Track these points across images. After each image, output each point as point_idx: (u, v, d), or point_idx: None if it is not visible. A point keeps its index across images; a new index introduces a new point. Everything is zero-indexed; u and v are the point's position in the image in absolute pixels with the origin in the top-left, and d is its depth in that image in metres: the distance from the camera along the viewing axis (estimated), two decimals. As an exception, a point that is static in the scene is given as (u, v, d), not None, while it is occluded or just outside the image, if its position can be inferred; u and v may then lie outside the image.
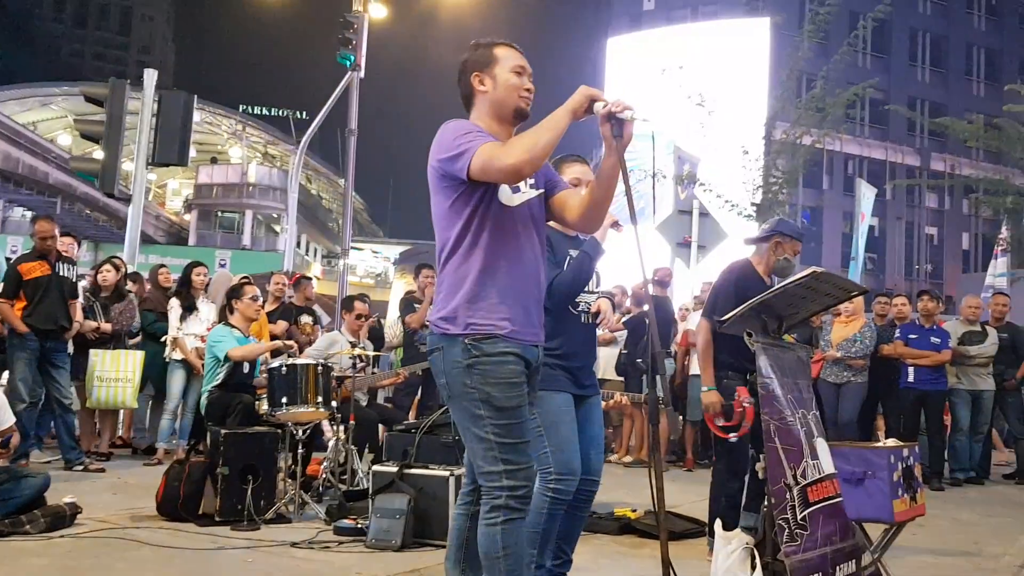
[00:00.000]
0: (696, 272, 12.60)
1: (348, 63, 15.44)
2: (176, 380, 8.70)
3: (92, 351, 8.55)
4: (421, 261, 11.35)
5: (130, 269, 10.17)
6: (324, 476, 6.81)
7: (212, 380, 7.02)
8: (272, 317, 9.44)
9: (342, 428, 6.85)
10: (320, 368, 6.44)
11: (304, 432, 6.42)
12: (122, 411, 9.52)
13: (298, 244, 52.25)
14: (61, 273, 7.93)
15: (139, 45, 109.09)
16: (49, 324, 7.78)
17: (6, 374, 8.14)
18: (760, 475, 4.10)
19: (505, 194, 3.10)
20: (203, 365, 7.80)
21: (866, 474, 4.44)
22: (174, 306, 8.89)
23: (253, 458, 6.01)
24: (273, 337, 8.85)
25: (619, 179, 3.12)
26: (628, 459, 10.37)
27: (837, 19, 19.18)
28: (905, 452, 4.66)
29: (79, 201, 46.43)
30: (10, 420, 5.85)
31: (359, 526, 5.56)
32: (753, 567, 3.98)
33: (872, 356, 9.42)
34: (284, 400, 6.25)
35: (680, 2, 42.98)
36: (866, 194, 19.97)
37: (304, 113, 60.20)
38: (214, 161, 57.08)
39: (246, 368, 7.13)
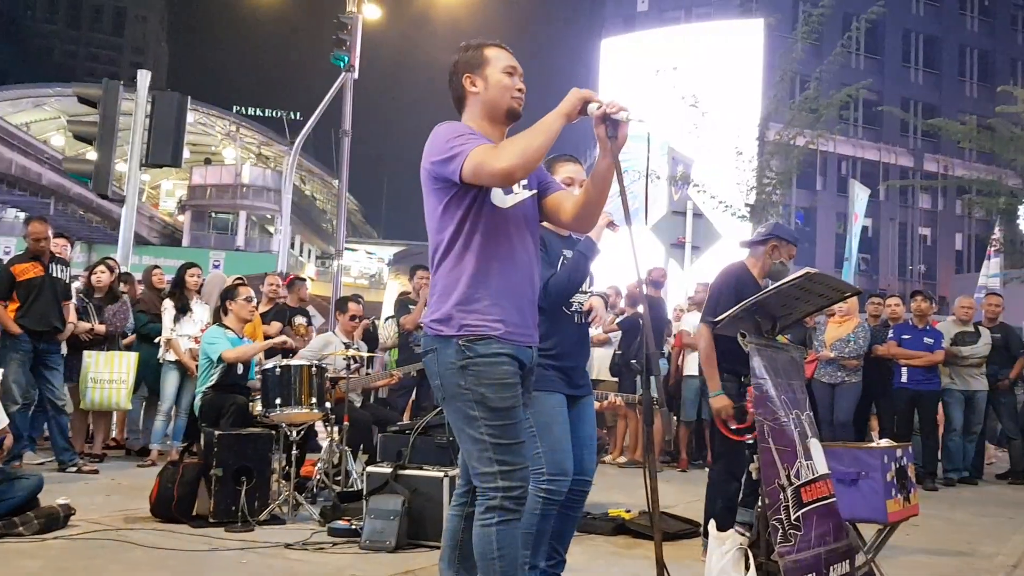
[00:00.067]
0: (690, 273, 12.61)
1: (342, 64, 15.45)
2: (170, 381, 8.68)
3: (86, 352, 8.53)
4: (415, 262, 11.34)
5: (123, 270, 10.15)
6: (318, 477, 6.80)
7: (206, 381, 7.01)
8: (266, 318, 9.42)
9: (336, 429, 6.85)
10: (314, 369, 6.44)
11: (298, 433, 6.42)
12: (115, 412, 9.49)
13: (292, 245, 52.15)
14: (54, 274, 7.92)
15: (132, 46, 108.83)
16: (42, 325, 7.76)
17: (-1, 375, 8.13)
18: (754, 476, 4.11)
19: (498, 196, 3.10)
20: (197, 366, 7.79)
21: (860, 474, 4.45)
22: (168, 307, 8.88)
23: (247, 459, 6.00)
24: (267, 338, 8.83)
25: (613, 180, 3.12)
26: (622, 460, 10.38)
27: (830, 20, 19.18)
28: (898, 452, 4.67)
29: (72, 202, 46.35)
30: (3, 422, 5.84)
31: (353, 527, 5.55)
32: (747, 567, 3.98)
33: (866, 356, 9.44)
34: (278, 401, 6.25)
35: (674, 3, 43.04)
36: (859, 195, 19.99)
37: (298, 114, 60.25)
38: (208, 162, 57.07)
39: (240, 369, 7.12)
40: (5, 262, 8.38)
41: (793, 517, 3.80)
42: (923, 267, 44.55)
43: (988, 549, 6.09)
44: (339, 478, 6.78)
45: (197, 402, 7.07)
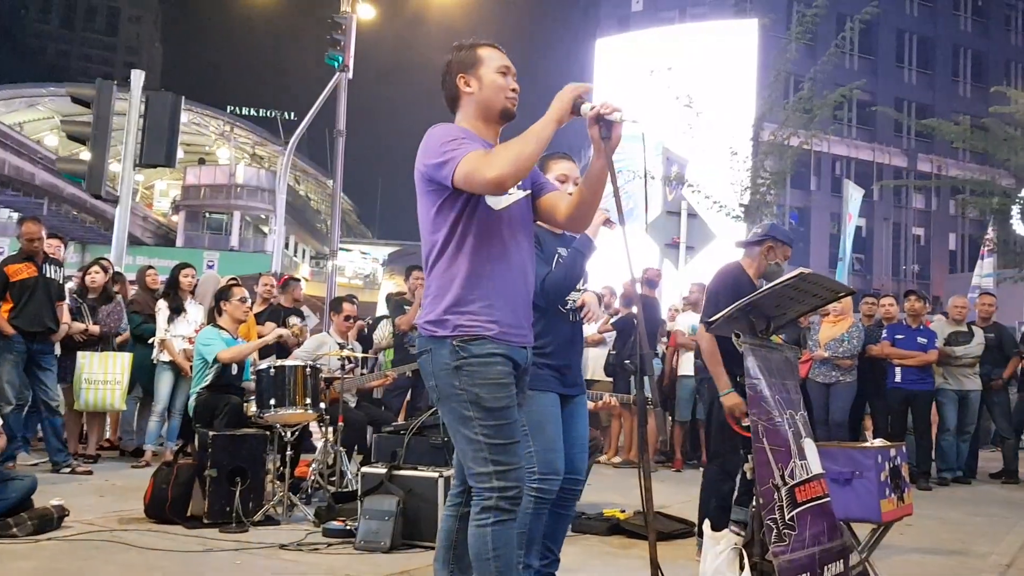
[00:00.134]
0: (685, 273, 12.62)
1: (336, 64, 15.42)
2: (164, 382, 8.67)
3: (80, 353, 8.52)
4: (410, 262, 11.36)
5: (116, 271, 10.13)
6: (313, 478, 6.80)
7: (200, 382, 7.00)
8: (260, 318, 9.41)
9: (331, 430, 6.84)
10: (308, 370, 6.43)
11: (293, 434, 6.41)
12: (109, 413, 9.48)
13: (286, 245, 52.08)
14: (48, 275, 7.90)
15: (126, 46, 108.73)
16: (36, 326, 7.75)
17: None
18: (748, 475, 4.11)
19: (492, 197, 3.10)
20: (191, 367, 7.79)
21: (854, 474, 4.46)
22: (162, 308, 8.86)
23: (241, 460, 6.00)
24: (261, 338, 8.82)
25: (607, 181, 3.12)
26: (617, 460, 10.38)
27: (824, 21, 19.26)
28: (892, 452, 4.68)
29: (66, 202, 46.30)
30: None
31: (348, 528, 5.55)
32: (741, 567, 3.99)
33: (860, 356, 9.45)
34: (272, 402, 6.25)
35: (668, 3, 43.07)
36: (853, 195, 20.04)
37: (292, 114, 60.28)
38: (202, 162, 56.99)
39: (235, 370, 7.12)
40: (-2, 262, 8.36)
41: (787, 517, 3.81)
42: (917, 267, 44.63)
43: (982, 548, 6.10)
44: (334, 479, 6.77)
45: (191, 403, 7.06)
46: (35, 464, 8.01)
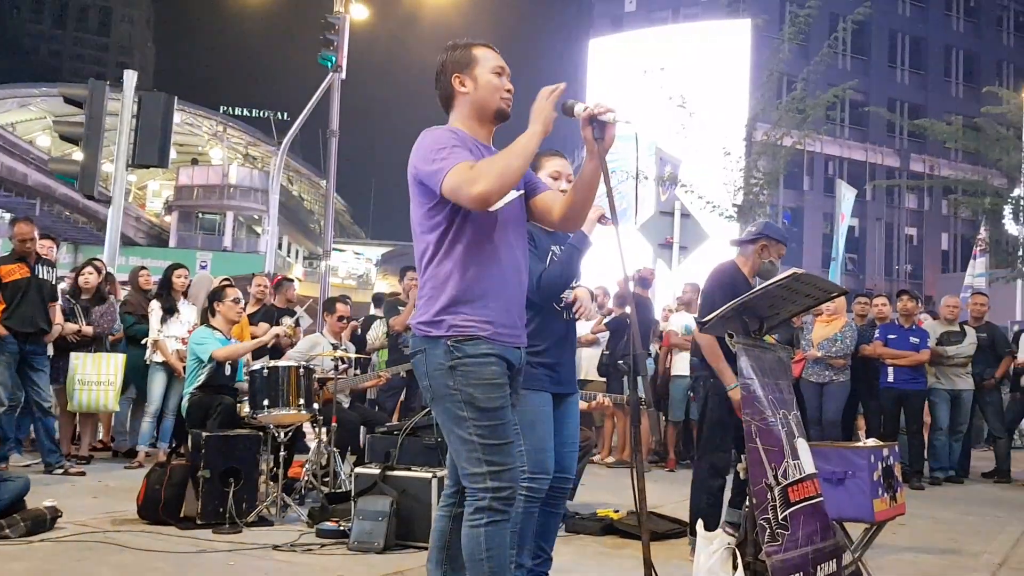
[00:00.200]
0: (678, 273, 12.63)
1: (329, 64, 15.42)
2: (157, 383, 8.66)
3: (73, 354, 8.50)
4: (403, 262, 11.35)
5: (111, 271, 10.11)
6: (306, 478, 6.79)
7: (193, 382, 6.99)
8: (254, 319, 9.40)
9: (324, 430, 6.84)
10: (302, 370, 6.43)
11: (286, 434, 6.41)
12: (101, 414, 9.46)
13: (279, 246, 52.12)
14: (40, 275, 7.88)
15: (119, 46, 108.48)
16: (28, 327, 7.72)
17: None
18: (741, 475, 4.12)
19: None
20: (184, 368, 7.78)
21: (847, 474, 4.47)
22: (155, 308, 8.85)
23: (235, 461, 5.99)
24: (255, 339, 8.80)
25: (600, 181, 3.13)
26: (611, 460, 10.39)
27: (817, 21, 19.24)
28: (885, 452, 4.69)
29: (58, 203, 46.17)
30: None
31: (341, 528, 5.55)
32: (735, 567, 4.00)
33: (853, 356, 9.47)
34: (266, 402, 6.24)
35: (661, 3, 43.11)
36: (846, 195, 20.07)
37: (285, 114, 60.13)
38: (195, 162, 56.92)
39: (228, 370, 7.11)
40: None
41: (780, 516, 3.82)
42: (909, 267, 44.72)
43: (974, 547, 6.12)
44: (327, 479, 6.77)
45: (184, 403, 7.05)
46: (28, 465, 7.99)
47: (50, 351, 8.26)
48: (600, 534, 5.96)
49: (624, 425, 10.36)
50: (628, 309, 7.68)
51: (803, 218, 40.69)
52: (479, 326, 3.04)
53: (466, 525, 3.05)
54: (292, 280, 11.14)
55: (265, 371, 6.33)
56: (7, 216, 39.18)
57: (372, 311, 11.48)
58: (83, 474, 7.85)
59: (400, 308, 9.54)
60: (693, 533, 5.09)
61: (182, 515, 5.88)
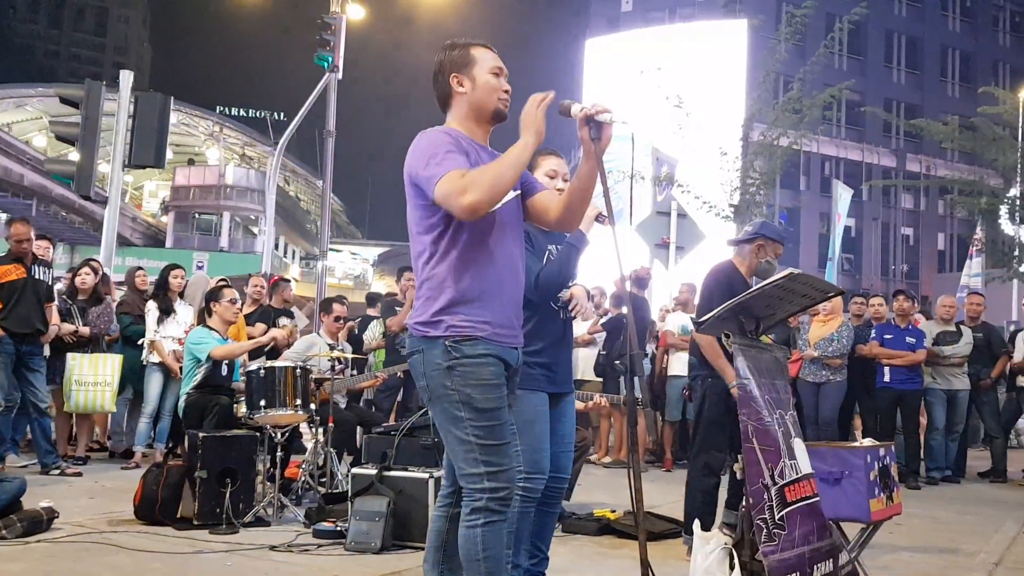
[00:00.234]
0: (675, 273, 12.64)
1: (326, 64, 15.42)
2: (153, 383, 8.65)
3: (70, 355, 8.49)
4: (400, 262, 11.37)
5: (108, 272, 10.10)
6: (303, 479, 6.79)
7: (190, 382, 6.99)
8: (250, 320, 9.40)
9: (321, 431, 6.84)
10: (299, 371, 6.43)
11: (283, 435, 6.40)
12: (97, 415, 9.45)
13: (276, 246, 52.02)
14: (37, 276, 7.86)
15: (115, 46, 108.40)
16: (25, 328, 7.71)
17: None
18: (738, 475, 4.12)
19: None
20: (181, 368, 7.77)
21: (843, 474, 4.48)
22: (151, 309, 8.84)
23: (231, 461, 5.99)
24: (251, 340, 8.80)
25: (597, 181, 3.13)
26: (607, 460, 10.39)
27: (813, 21, 19.31)
28: (881, 452, 4.70)
29: (55, 203, 46.14)
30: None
31: (338, 529, 5.54)
32: (732, 567, 4.00)
33: (849, 356, 9.47)
34: (263, 403, 6.23)
35: (658, 4, 43.11)
36: (842, 195, 20.10)
37: (282, 114, 60.20)
38: (191, 163, 56.86)
39: (224, 370, 7.11)
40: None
41: (777, 516, 3.82)
42: (905, 267, 44.77)
43: (970, 547, 6.13)
44: (324, 480, 6.77)
45: (181, 404, 7.05)
46: (24, 466, 7.97)
47: (46, 352, 8.25)
48: (597, 534, 5.96)
49: (621, 425, 10.36)
50: (625, 309, 7.69)
51: (799, 218, 40.71)
52: (477, 326, 3.04)
53: (463, 525, 3.05)
54: (289, 280, 11.14)
55: (262, 371, 6.32)
56: (3, 216, 39.14)
57: (367, 311, 11.47)
58: (80, 475, 7.84)
59: (397, 308, 9.55)
60: (688, 532, 5.11)
61: (179, 516, 5.87)
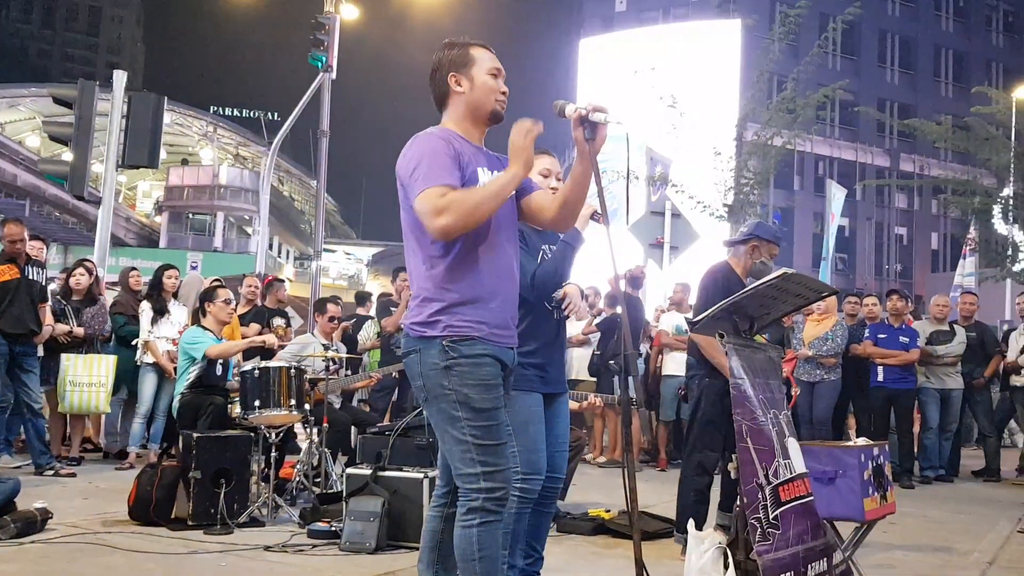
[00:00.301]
0: (669, 273, 12.65)
1: (320, 64, 15.38)
2: (147, 384, 8.63)
3: (64, 356, 8.47)
4: (394, 262, 11.38)
5: (100, 272, 10.08)
6: (297, 479, 6.79)
7: (184, 381, 6.98)
8: (244, 320, 9.39)
9: (315, 431, 6.83)
10: (293, 371, 6.42)
11: (277, 435, 6.40)
12: (91, 415, 9.43)
13: (270, 246, 52.04)
14: (30, 276, 7.84)
15: (108, 46, 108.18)
16: (18, 328, 7.69)
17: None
18: (732, 475, 4.13)
19: None
20: (175, 369, 7.76)
21: (837, 473, 4.48)
22: (145, 309, 8.83)
23: (226, 462, 5.98)
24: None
25: (591, 181, 3.14)
26: (602, 459, 10.40)
27: (807, 21, 19.30)
28: (875, 451, 4.71)
29: (48, 203, 46.01)
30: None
31: (333, 529, 5.55)
32: (726, 566, 4.00)
33: (843, 355, 9.49)
34: (257, 403, 6.23)
35: (652, 3, 43.14)
36: (836, 195, 20.13)
37: (275, 114, 60.18)
38: (185, 163, 56.75)
39: (219, 370, 7.10)
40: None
41: (771, 516, 3.83)
42: (899, 266, 44.86)
43: (964, 546, 6.14)
44: (319, 480, 6.77)
45: (175, 404, 7.04)
46: (18, 467, 7.97)
47: (40, 352, 8.24)
48: (591, 534, 5.96)
49: (615, 425, 10.37)
50: (619, 309, 7.70)
51: (793, 218, 40.76)
52: (475, 326, 3.04)
53: (459, 525, 3.05)
54: (283, 281, 11.12)
55: (256, 372, 6.32)
56: (-4, 217, 39.02)
57: (357, 310, 11.45)
58: (74, 475, 7.83)
59: (392, 309, 9.54)
60: (680, 531, 5.11)
61: (173, 516, 5.87)
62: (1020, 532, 6.75)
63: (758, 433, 3.95)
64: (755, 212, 19.19)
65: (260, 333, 9.09)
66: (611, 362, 9.69)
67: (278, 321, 9.64)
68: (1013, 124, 21.50)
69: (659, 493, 7.66)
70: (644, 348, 10.57)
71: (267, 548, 5.29)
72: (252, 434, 6.33)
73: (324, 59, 15.31)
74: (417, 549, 3.50)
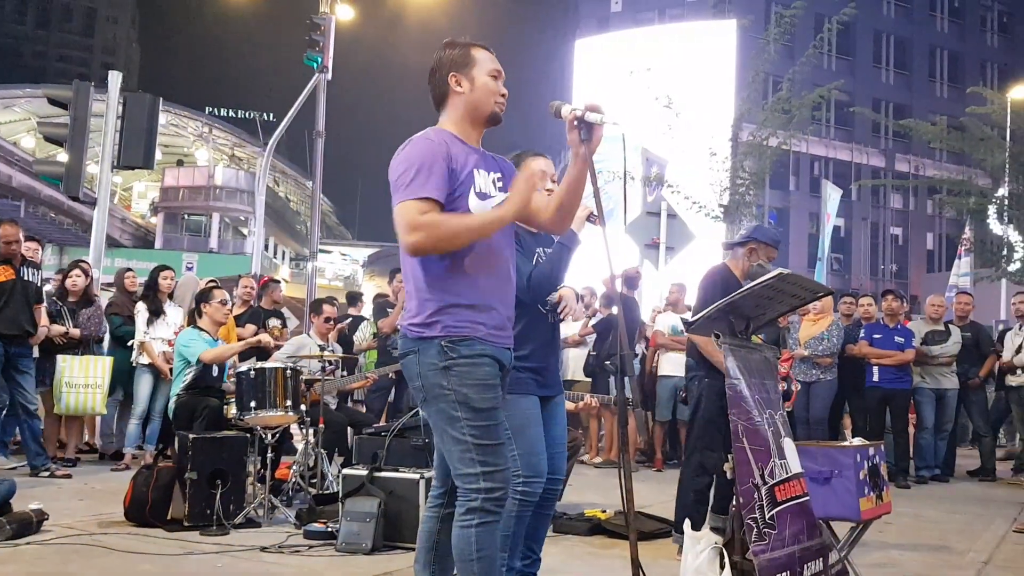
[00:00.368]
0: (665, 273, 12.66)
1: (315, 65, 15.39)
2: (143, 385, 8.63)
3: (60, 357, 8.46)
4: (390, 263, 11.37)
5: (95, 273, 10.06)
6: (294, 480, 6.78)
7: (180, 383, 6.97)
8: (240, 321, 9.38)
9: (311, 431, 6.83)
10: (289, 372, 6.42)
11: (273, 436, 6.40)
12: (87, 417, 9.42)
13: (266, 247, 51.97)
14: (25, 278, 7.83)
15: (103, 47, 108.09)
16: (13, 329, 7.68)
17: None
18: (728, 475, 4.13)
19: (473, 202, 3.10)
20: (170, 370, 7.75)
21: (833, 473, 4.49)
22: (141, 310, 8.82)
23: (222, 462, 5.98)
24: (241, 341, 8.77)
25: (587, 182, 3.14)
26: (598, 460, 10.40)
27: (802, 22, 19.34)
28: (871, 451, 4.71)
29: (43, 204, 45.93)
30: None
31: (329, 530, 5.54)
32: (722, 566, 4.01)
33: (839, 355, 9.50)
34: (253, 404, 6.22)
35: (647, 4, 43.17)
36: (832, 195, 20.14)
37: (271, 115, 60.14)
38: (180, 163, 56.67)
39: (215, 371, 7.09)
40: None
41: (767, 516, 3.83)
42: (895, 266, 44.91)
43: (960, 546, 6.15)
44: (315, 480, 6.76)
45: (171, 405, 7.03)
46: (13, 468, 7.95)
47: (35, 353, 8.22)
48: (588, 534, 5.96)
49: (611, 425, 10.37)
50: (615, 309, 7.70)
51: (789, 218, 40.79)
52: (473, 327, 3.04)
53: (457, 526, 3.04)
54: (278, 281, 11.13)
55: (252, 372, 6.31)
56: (-9, 218, 38.93)
57: (348, 310, 11.44)
58: (69, 477, 7.82)
59: (389, 310, 9.53)
60: (679, 531, 5.11)
61: (169, 517, 5.86)
62: (1015, 531, 6.76)
63: (754, 433, 3.95)
64: (751, 212, 19.22)
65: (255, 334, 9.10)
66: (607, 362, 9.69)
67: (274, 322, 9.64)
68: (1008, 124, 21.54)
69: (655, 493, 7.66)
70: (640, 348, 10.58)
71: (263, 549, 5.29)
72: (248, 435, 6.33)
73: (319, 60, 15.33)
74: (413, 550, 3.49)
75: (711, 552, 4.04)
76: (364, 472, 5.57)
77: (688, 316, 8.20)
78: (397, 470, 5.60)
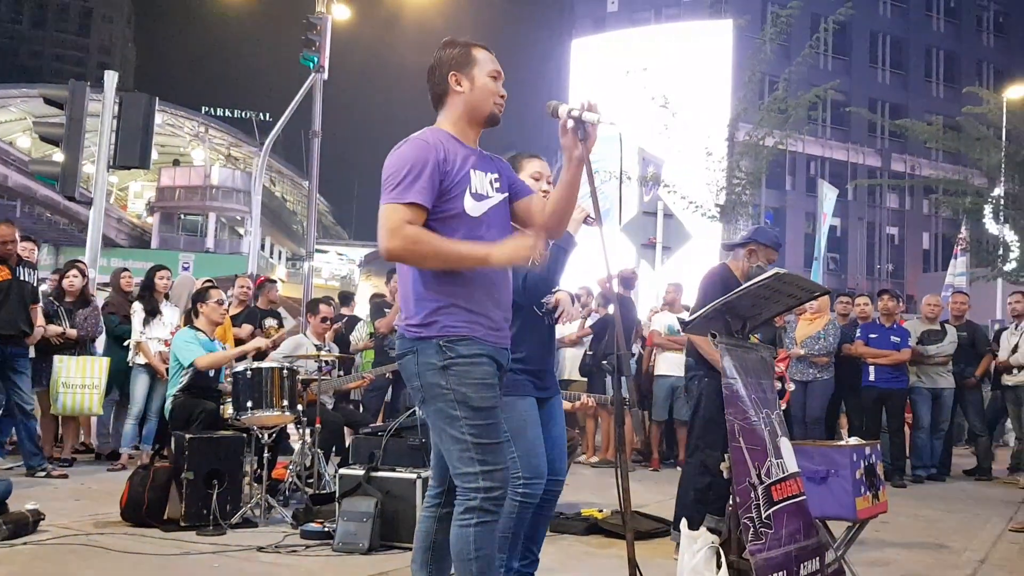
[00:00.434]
0: (661, 273, 12.66)
1: (311, 65, 15.37)
2: (140, 385, 8.62)
3: (57, 357, 8.45)
4: (386, 263, 11.30)
5: (91, 273, 10.05)
6: (290, 480, 6.78)
7: (176, 384, 6.96)
8: (237, 320, 9.38)
9: (308, 431, 6.82)
10: (285, 371, 6.41)
11: (270, 436, 6.39)
12: (82, 417, 9.41)
13: (262, 247, 51.86)
14: (21, 278, 7.82)
15: (99, 46, 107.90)
16: (10, 329, 7.67)
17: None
18: (725, 474, 4.14)
19: (470, 203, 3.10)
20: (167, 370, 7.74)
21: (829, 472, 4.49)
22: (137, 310, 8.81)
23: (218, 462, 5.97)
24: (238, 340, 8.78)
25: (582, 183, 3.14)
26: (595, 459, 10.40)
27: (798, 21, 19.36)
28: (867, 450, 4.72)
29: (39, 204, 45.89)
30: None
31: (326, 530, 5.54)
32: (719, 566, 4.01)
33: (835, 355, 9.51)
34: (249, 404, 6.22)
35: (644, 4, 43.20)
36: (828, 195, 20.16)
37: (267, 115, 60.03)
38: (176, 163, 56.60)
39: (211, 372, 7.08)
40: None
41: (764, 515, 3.83)
42: (891, 266, 44.96)
43: (957, 544, 6.16)
44: (311, 480, 6.76)
45: (168, 405, 7.02)
46: (9, 468, 7.94)
47: (32, 353, 8.21)
48: (584, 534, 5.97)
49: (608, 425, 10.37)
50: (611, 309, 7.70)
51: (785, 218, 40.85)
52: (472, 326, 3.05)
53: (455, 525, 3.05)
54: (275, 281, 11.11)
55: (248, 372, 6.30)
56: (-13, 218, 38.85)
57: (341, 310, 11.42)
58: (65, 477, 7.80)
59: (386, 310, 9.53)
60: (677, 529, 5.12)
61: (165, 517, 5.85)
62: (1012, 530, 6.77)
63: (750, 432, 3.95)
64: (747, 212, 19.22)
65: (252, 334, 9.10)
66: (604, 362, 9.69)
67: (270, 322, 9.63)
68: (1004, 124, 21.57)
69: (652, 493, 7.67)
70: (636, 348, 10.58)
71: (260, 549, 5.29)
72: (245, 435, 6.32)
73: (316, 59, 15.30)
74: (410, 550, 3.49)
75: (708, 551, 4.04)
76: (361, 472, 5.57)
77: (685, 316, 8.21)
78: (394, 470, 5.60)
